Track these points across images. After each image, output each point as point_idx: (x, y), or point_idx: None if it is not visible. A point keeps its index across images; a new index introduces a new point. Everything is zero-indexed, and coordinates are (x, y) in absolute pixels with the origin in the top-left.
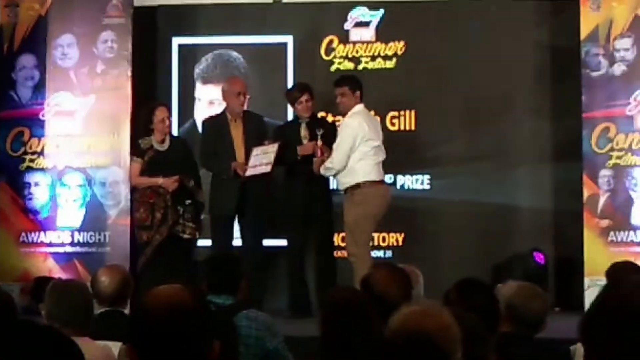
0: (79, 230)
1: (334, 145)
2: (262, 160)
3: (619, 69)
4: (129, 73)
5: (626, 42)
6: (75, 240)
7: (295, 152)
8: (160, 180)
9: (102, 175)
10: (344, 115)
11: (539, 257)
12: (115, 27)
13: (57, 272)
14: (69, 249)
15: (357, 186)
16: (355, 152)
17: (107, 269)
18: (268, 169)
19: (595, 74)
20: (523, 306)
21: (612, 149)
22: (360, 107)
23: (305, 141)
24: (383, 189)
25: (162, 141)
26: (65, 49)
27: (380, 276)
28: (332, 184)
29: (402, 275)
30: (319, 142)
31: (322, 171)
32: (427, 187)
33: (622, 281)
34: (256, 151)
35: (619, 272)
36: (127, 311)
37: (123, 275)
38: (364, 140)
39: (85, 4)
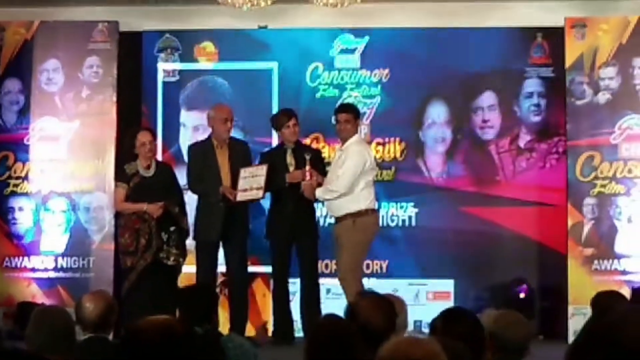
0: (63, 255)
1: (340, 171)
2: (251, 184)
3: (603, 97)
4: (114, 98)
5: (611, 71)
6: (59, 266)
7: (282, 178)
8: (145, 206)
9: (87, 201)
10: (343, 141)
11: (523, 290)
12: (101, 52)
13: (41, 297)
14: (52, 274)
15: (359, 213)
16: (361, 179)
17: (91, 295)
18: (260, 194)
19: (580, 102)
20: (504, 333)
21: (596, 177)
22: (359, 135)
23: (291, 168)
24: (378, 218)
25: (148, 167)
26: (50, 73)
27: (365, 305)
28: (318, 211)
29: (386, 304)
30: (308, 167)
31: (321, 194)
32: (412, 214)
33: (608, 310)
34: (244, 173)
35: (604, 301)
36: (111, 337)
37: (107, 302)
38: (369, 168)
39: (71, 29)
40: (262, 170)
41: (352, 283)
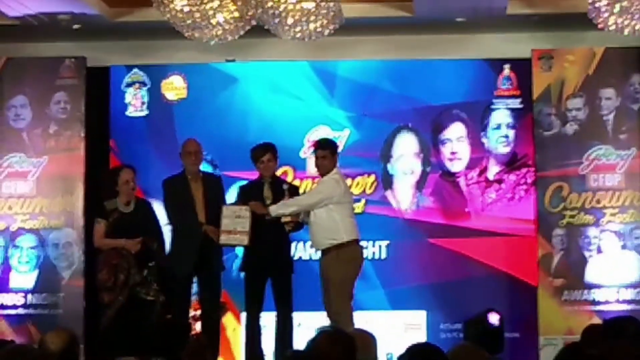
0: (32, 292)
1: (307, 191)
2: (235, 226)
3: (571, 128)
4: (82, 134)
5: (578, 102)
6: (28, 302)
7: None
8: (123, 242)
9: (55, 237)
10: (322, 176)
11: (494, 318)
12: (69, 87)
13: (10, 334)
14: (21, 311)
15: (342, 245)
16: (335, 211)
17: (53, 332)
18: (245, 240)
19: (547, 133)
20: None
21: (565, 208)
22: (337, 169)
23: (268, 201)
24: (361, 249)
25: (127, 203)
26: (18, 109)
27: (324, 340)
28: (296, 248)
29: (345, 339)
30: (286, 198)
31: (276, 208)
32: (382, 247)
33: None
34: (227, 211)
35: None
36: None
37: (70, 337)
38: (342, 200)
39: (39, 65)
40: (246, 212)
41: (346, 316)
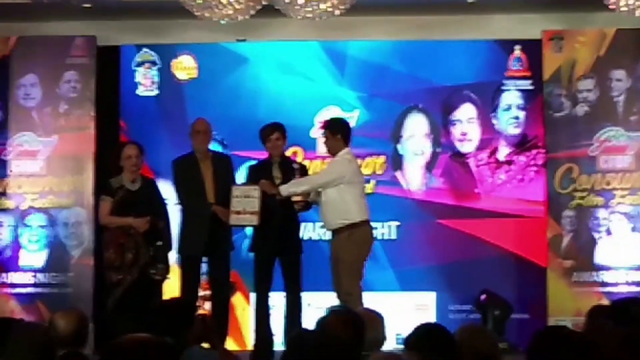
0: (42, 271)
1: (319, 171)
2: (245, 206)
3: (581, 109)
4: (92, 113)
5: (588, 83)
6: (38, 281)
7: (272, 195)
8: (131, 220)
9: (65, 216)
10: (332, 156)
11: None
12: (79, 67)
13: (20, 313)
14: (31, 289)
15: (353, 225)
16: (346, 191)
17: (63, 312)
18: (254, 220)
19: (558, 114)
20: (468, 345)
21: (575, 190)
22: (348, 149)
23: (277, 181)
24: (372, 230)
25: (133, 181)
26: (28, 89)
27: (333, 320)
28: (305, 228)
29: (355, 320)
30: (297, 177)
31: (287, 186)
32: (392, 228)
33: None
34: (236, 191)
35: (599, 314)
36: (86, 352)
37: (80, 317)
38: (352, 180)
39: (49, 44)
40: (256, 192)
41: (357, 297)
